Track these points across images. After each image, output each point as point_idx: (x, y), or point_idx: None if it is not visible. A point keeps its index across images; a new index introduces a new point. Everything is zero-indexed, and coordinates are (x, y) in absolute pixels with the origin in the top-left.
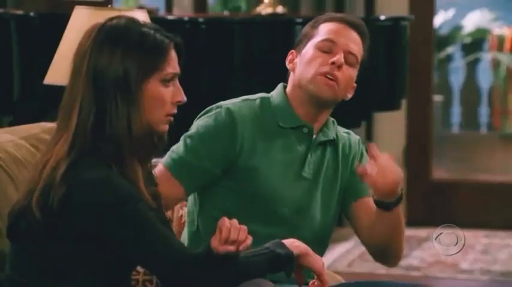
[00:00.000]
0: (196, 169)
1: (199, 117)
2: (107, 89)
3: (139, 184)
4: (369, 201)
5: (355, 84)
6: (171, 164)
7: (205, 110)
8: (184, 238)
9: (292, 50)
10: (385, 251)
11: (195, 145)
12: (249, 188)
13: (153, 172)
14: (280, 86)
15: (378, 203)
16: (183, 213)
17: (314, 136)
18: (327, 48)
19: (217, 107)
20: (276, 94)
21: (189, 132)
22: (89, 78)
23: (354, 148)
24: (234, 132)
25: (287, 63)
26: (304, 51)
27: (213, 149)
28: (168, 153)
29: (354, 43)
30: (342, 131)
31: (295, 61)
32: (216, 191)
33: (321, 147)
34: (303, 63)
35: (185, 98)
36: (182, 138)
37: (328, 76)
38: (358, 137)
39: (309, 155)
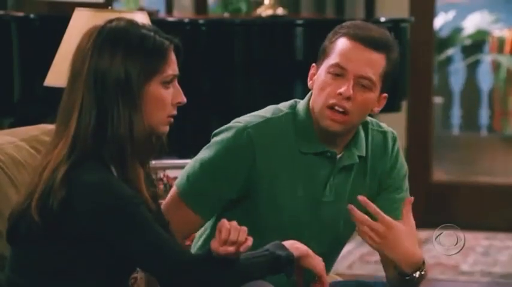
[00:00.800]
0: (214, 197)
1: (217, 134)
2: (108, 91)
3: (141, 185)
4: None
5: (385, 95)
6: (188, 194)
7: (225, 127)
8: (195, 244)
9: (314, 64)
10: None
11: (213, 173)
12: (267, 215)
13: (152, 175)
14: (307, 98)
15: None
16: None
17: (338, 156)
18: (338, 72)
19: (239, 130)
20: (302, 109)
21: (205, 156)
22: (89, 81)
23: (387, 154)
24: (253, 160)
25: (308, 79)
26: (319, 71)
27: (232, 177)
28: (182, 178)
29: (368, 65)
30: (376, 130)
31: (314, 78)
32: (234, 212)
33: (346, 169)
34: (316, 87)
35: (185, 99)
36: (198, 162)
37: (337, 109)
38: (395, 136)
39: (331, 179)
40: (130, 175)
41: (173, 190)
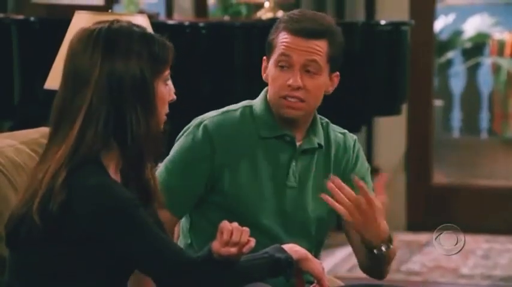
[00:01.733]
0: (183, 194)
1: (180, 137)
2: (125, 94)
3: (156, 186)
4: None
5: (337, 73)
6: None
7: (185, 128)
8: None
9: (265, 57)
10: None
11: (177, 171)
12: (234, 203)
13: None
14: (264, 92)
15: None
16: None
17: (298, 143)
18: (285, 63)
19: (195, 126)
20: (259, 101)
21: (169, 157)
22: (101, 85)
23: (349, 150)
24: (212, 151)
25: (262, 72)
26: (269, 65)
27: (195, 171)
28: None
29: (311, 53)
30: (337, 131)
31: (267, 71)
32: (204, 206)
33: (307, 154)
34: (269, 80)
35: (175, 97)
36: (164, 164)
37: (289, 99)
38: (354, 137)
39: (293, 163)
40: (146, 175)
41: None
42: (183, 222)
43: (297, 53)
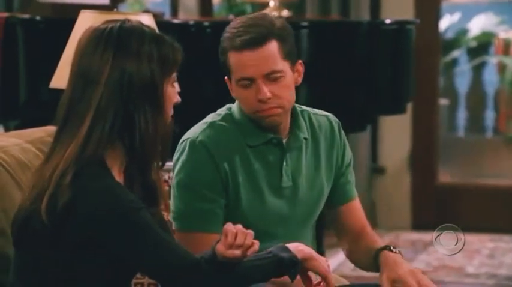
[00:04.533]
0: (214, 210)
1: (177, 160)
2: (135, 94)
3: (162, 187)
4: (355, 204)
5: (300, 62)
6: (192, 221)
7: (178, 150)
8: None
9: (226, 77)
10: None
11: (196, 192)
12: (235, 212)
13: None
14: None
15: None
16: None
17: (284, 141)
18: (247, 82)
19: (191, 144)
20: (237, 110)
21: (180, 184)
22: (112, 84)
23: (336, 135)
24: (216, 164)
25: (231, 92)
26: (233, 85)
27: (212, 186)
28: (174, 213)
29: (266, 61)
30: (319, 115)
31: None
32: None
33: (295, 150)
34: (238, 99)
35: (180, 99)
36: (177, 192)
37: (266, 111)
38: (337, 121)
39: (284, 163)
40: (152, 176)
41: (175, 233)
42: None
43: (252, 69)
